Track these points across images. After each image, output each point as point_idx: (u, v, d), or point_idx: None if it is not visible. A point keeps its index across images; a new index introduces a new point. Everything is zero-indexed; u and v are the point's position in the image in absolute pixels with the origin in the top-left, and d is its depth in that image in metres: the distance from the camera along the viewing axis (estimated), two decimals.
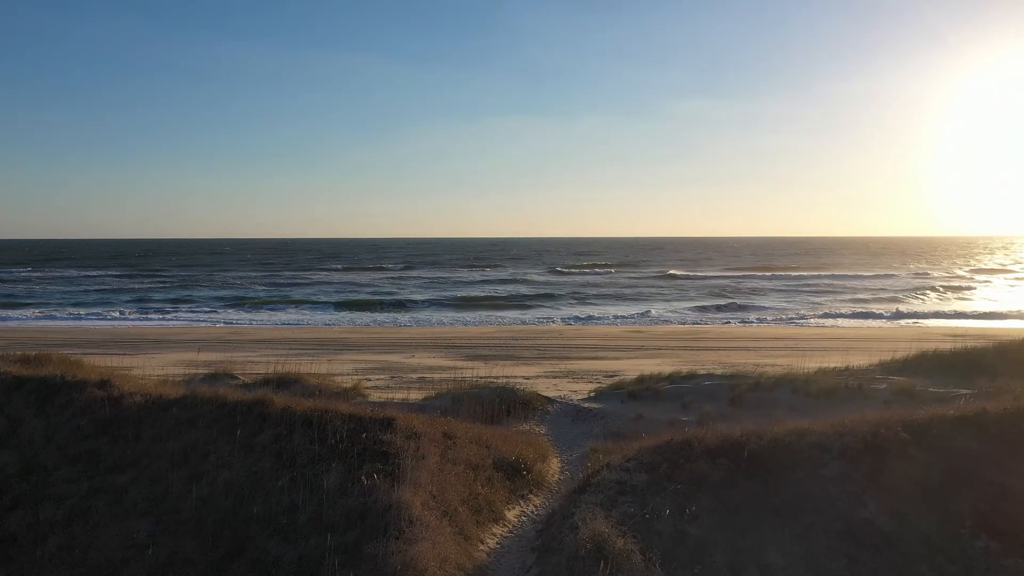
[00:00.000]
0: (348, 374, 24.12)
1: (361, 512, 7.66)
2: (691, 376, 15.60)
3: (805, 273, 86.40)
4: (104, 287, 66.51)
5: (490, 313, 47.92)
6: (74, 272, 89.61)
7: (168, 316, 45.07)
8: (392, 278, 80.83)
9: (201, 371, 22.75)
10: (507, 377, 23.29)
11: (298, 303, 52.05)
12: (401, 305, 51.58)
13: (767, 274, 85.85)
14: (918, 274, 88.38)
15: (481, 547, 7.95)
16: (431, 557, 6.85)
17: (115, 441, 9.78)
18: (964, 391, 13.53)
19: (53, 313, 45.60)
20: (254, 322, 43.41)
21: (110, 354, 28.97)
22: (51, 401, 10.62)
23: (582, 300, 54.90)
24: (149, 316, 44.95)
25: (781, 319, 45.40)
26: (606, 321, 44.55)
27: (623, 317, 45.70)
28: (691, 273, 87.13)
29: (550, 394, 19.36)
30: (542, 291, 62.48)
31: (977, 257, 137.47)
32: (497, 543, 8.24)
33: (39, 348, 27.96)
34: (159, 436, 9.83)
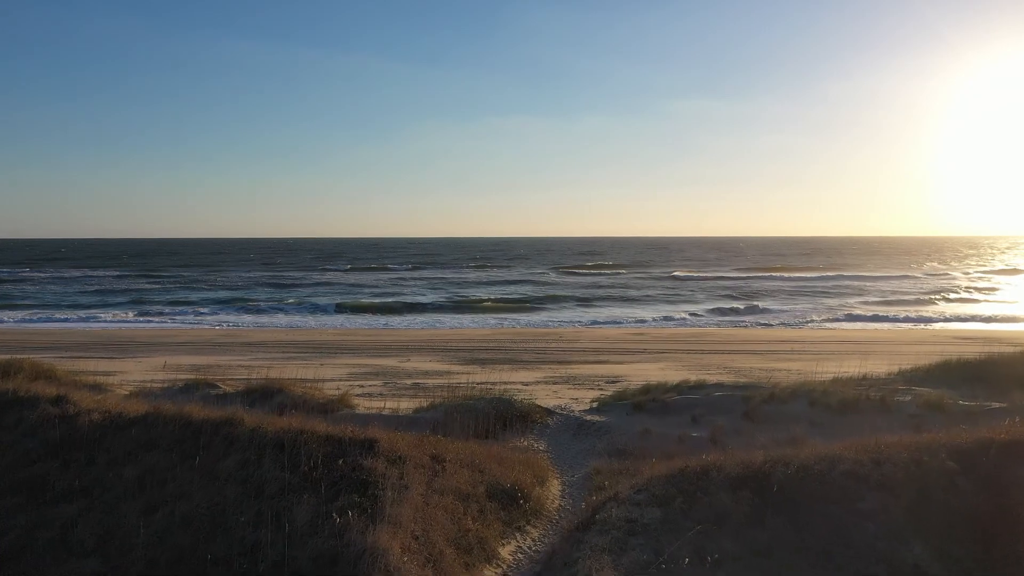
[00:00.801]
0: (340, 380, 23.09)
1: (332, 557, 6.62)
2: (700, 386, 14.56)
3: (814, 274, 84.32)
4: (99, 288, 65.45)
5: (491, 315, 46.80)
6: (70, 272, 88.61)
7: (162, 318, 44.03)
8: (400, 279, 79.56)
9: (183, 378, 21.74)
10: (505, 384, 22.24)
11: (298, 303, 50.91)
12: (414, 307, 50.41)
13: (774, 275, 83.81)
14: (932, 274, 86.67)
15: None
16: None
17: (66, 466, 8.74)
18: (996, 404, 12.49)
19: (45, 314, 44.56)
20: (250, 324, 42.38)
21: (97, 358, 27.99)
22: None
23: (587, 302, 53.27)
24: (143, 318, 43.91)
25: (788, 322, 43.97)
26: (607, 323, 43.47)
27: (626, 320, 44.50)
28: (695, 274, 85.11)
29: (550, 403, 18.33)
30: (546, 292, 61.23)
31: (989, 257, 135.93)
32: None
33: (19, 352, 26.95)
34: (115, 460, 8.79)
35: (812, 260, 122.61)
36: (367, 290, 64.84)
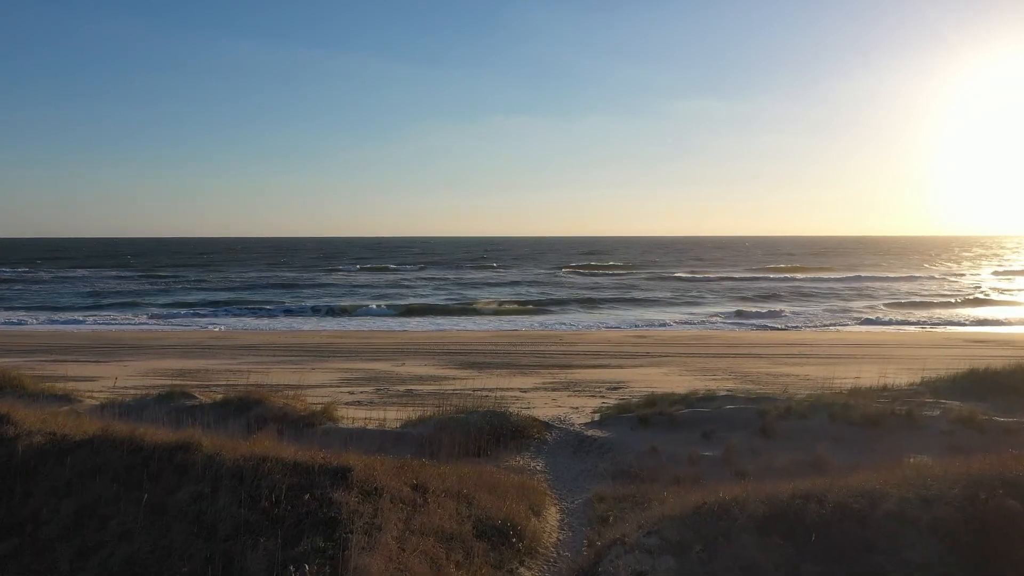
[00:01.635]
0: (331, 385, 22.03)
1: None
2: (710, 397, 13.44)
3: (830, 275, 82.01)
4: (93, 289, 64.28)
5: (491, 317, 45.62)
6: (66, 272, 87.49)
7: (156, 320, 42.89)
8: (424, 279, 78.01)
9: (162, 385, 20.64)
10: (502, 390, 21.16)
11: (321, 304, 49.48)
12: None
13: (792, 275, 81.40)
14: (951, 275, 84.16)
15: None
16: None
17: None
18: None
19: (35, 316, 43.43)
20: (251, 327, 41.25)
21: (82, 361, 26.89)
22: None
23: (591, 304, 51.46)
24: (135, 319, 42.77)
25: (816, 324, 42.22)
26: (607, 325, 42.29)
27: (653, 322, 42.91)
28: (706, 275, 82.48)
29: (548, 411, 17.23)
30: (573, 295, 59.67)
31: (1002, 257, 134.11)
32: None
33: (1, 356, 25.90)
34: (55, 490, 7.69)
35: (824, 260, 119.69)
36: (392, 291, 63.52)
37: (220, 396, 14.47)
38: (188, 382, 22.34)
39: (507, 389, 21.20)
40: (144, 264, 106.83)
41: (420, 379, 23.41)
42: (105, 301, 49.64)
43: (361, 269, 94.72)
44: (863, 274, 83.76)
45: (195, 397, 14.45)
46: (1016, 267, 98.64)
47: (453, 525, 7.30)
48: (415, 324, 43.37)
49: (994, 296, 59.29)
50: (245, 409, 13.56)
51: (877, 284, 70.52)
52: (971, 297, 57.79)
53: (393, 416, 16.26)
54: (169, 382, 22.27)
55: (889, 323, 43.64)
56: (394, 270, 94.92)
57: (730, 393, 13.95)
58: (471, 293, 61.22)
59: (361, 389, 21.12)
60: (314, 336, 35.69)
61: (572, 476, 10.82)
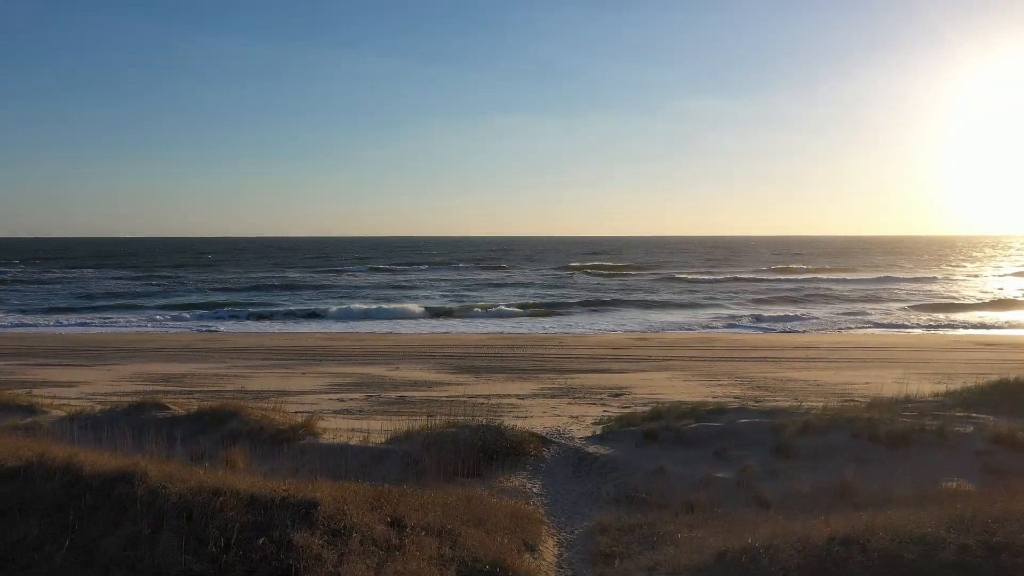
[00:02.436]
0: (320, 391, 20.97)
1: None
2: (720, 411, 12.38)
3: (853, 276, 79.46)
4: (89, 289, 63.19)
5: (491, 320, 44.50)
6: (60, 272, 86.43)
7: (149, 321, 41.80)
8: (423, 279, 76.72)
9: (143, 391, 19.58)
10: (498, 397, 20.13)
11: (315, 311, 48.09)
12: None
13: (787, 277, 78.90)
14: (974, 276, 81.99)
15: None
16: None
17: None
18: None
19: (23, 318, 42.38)
20: (240, 329, 40.18)
21: (64, 365, 25.80)
22: None
23: (597, 306, 49.11)
24: (127, 320, 41.68)
25: (821, 328, 40.55)
26: (614, 328, 41.18)
27: (642, 326, 41.68)
28: (710, 276, 79.76)
29: (546, 420, 16.18)
30: (554, 295, 58.23)
31: (1011, 258, 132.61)
32: None
33: None
34: None
35: (837, 260, 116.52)
36: (393, 292, 62.43)
37: (195, 407, 13.40)
38: (171, 388, 21.32)
39: (504, 396, 20.17)
40: (142, 264, 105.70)
41: (414, 384, 22.36)
42: (98, 303, 48.38)
43: (371, 270, 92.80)
44: (889, 275, 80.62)
45: (168, 408, 13.39)
46: None
47: (433, 571, 6.24)
48: (411, 326, 42.30)
49: (1021, 297, 56.83)
50: (219, 422, 12.51)
51: (901, 285, 67.72)
52: (998, 299, 55.47)
53: (381, 427, 15.17)
54: (151, 388, 21.26)
55: (916, 326, 41.35)
56: (401, 270, 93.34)
57: (741, 405, 12.90)
58: (473, 294, 60.03)
59: (351, 396, 20.08)
60: (308, 339, 34.63)
61: (572, 500, 9.76)
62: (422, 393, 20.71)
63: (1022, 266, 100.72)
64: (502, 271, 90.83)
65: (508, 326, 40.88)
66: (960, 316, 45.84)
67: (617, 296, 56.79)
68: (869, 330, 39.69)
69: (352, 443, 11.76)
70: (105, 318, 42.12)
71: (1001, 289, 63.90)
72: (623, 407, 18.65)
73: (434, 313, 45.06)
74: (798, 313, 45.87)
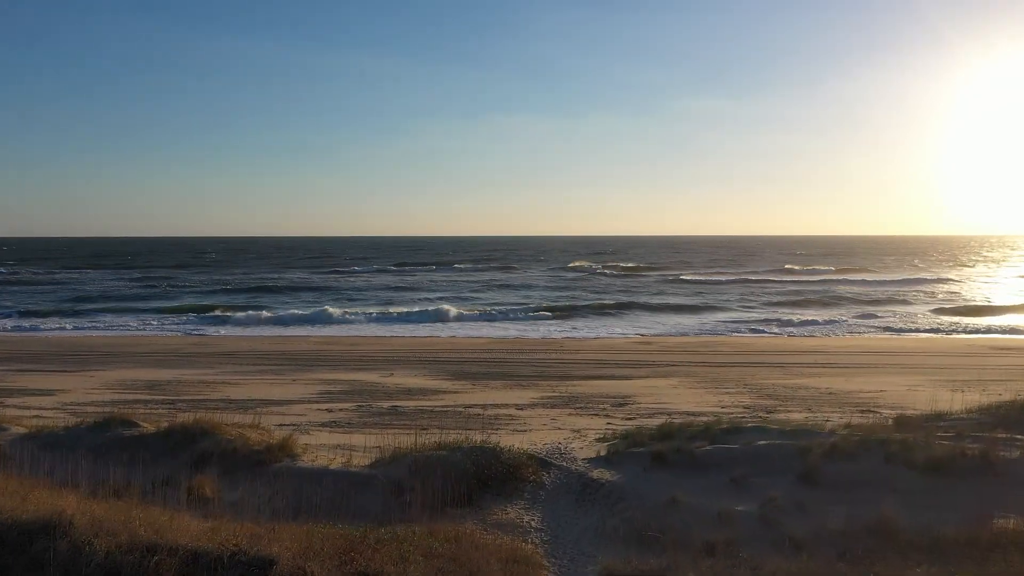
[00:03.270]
0: (308, 400, 19.86)
1: None
2: (736, 430, 11.24)
3: (838, 277, 77.28)
4: (83, 290, 62.06)
5: (492, 323, 43.20)
6: (56, 272, 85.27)
7: (140, 324, 40.64)
8: (429, 280, 74.96)
9: (122, 400, 18.44)
10: (496, 407, 19.01)
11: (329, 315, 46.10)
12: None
13: (795, 279, 76.20)
14: (999, 276, 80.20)
15: None
16: None
17: None
18: None
19: (11, 321, 41.22)
20: (226, 333, 39.03)
21: (46, 371, 24.65)
22: None
23: (602, 310, 47.05)
24: (118, 324, 40.51)
25: (808, 332, 39.00)
26: (620, 333, 39.99)
27: (653, 329, 40.12)
28: (712, 277, 77.74)
29: (546, 434, 15.06)
30: (556, 297, 56.59)
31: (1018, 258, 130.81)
32: None
33: None
34: None
35: (848, 261, 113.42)
36: (392, 294, 61.16)
37: (165, 424, 12.28)
38: (153, 397, 20.23)
39: (502, 406, 19.05)
40: (141, 265, 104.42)
41: (408, 392, 21.25)
42: (91, 306, 46.98)
43: (372, 271, 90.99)
44: (907, 276, 77.59)
45: (136, 425, 12.26)
46: None
47: None
48: (410, 330, 41.18)
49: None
50: (190, 442, 11.38)
51: (921, 287, 65.09)
52: (992, 301, 53.71)
53: (368, 444, 14.08)
54: (132, 397, 20.17)
55: (937, 330, 39.40)
56: (402, 271, 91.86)
57: (759, 423, 11.75)
58: (474, 296, 58.79)
59: (341, 406, 18.95)
60: (302, 343, 33.49)
61: (574, 537, 8.64)
62: (416, 402, 19.61)
63: None
64: (504, 272, 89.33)
65: (508, 329, 39.71)
66: (989, 320, 43.45)
67: (621, 298, 55.22)
68: (878, 334, 38.36)
69: (332, 466, 10.63)
70: (96, 321, 40.90)
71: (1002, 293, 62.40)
72: (628, 418, 17.57)
73: (434, 316, 43.75)
74: (809, 317, 43.84)
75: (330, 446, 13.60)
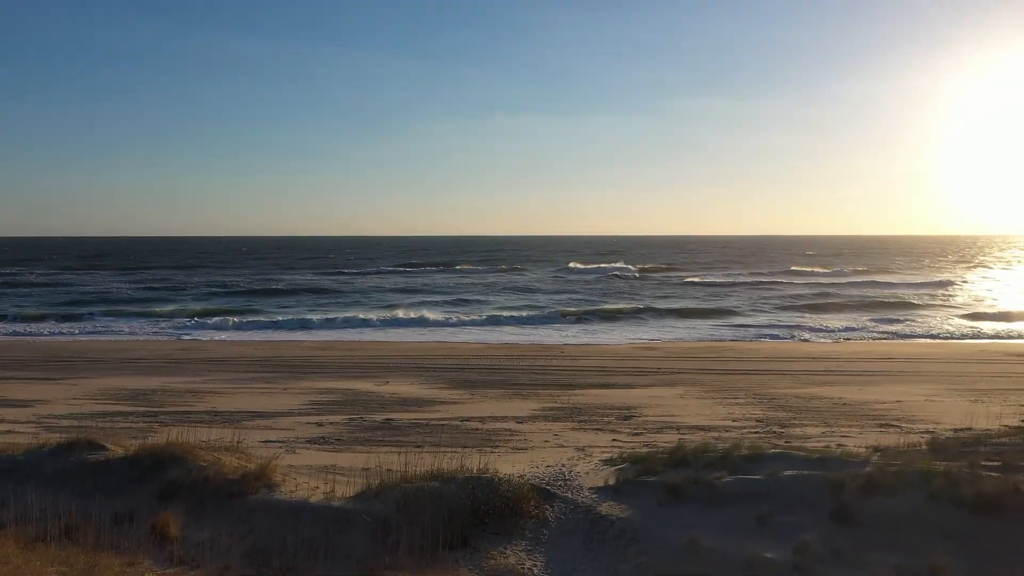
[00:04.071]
0: (297, 412, 18.80)
1: None
2: (758, 457, 10.15)
3: (849, 280, 74.42)
4: (77, 291, 60.98)
5: (492, 327, 42.01)
6: (51, 273, 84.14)
7: (132, 328, 39.53)
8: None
9: (102, 411, 17.37)
10: (494, 419, 17.94)
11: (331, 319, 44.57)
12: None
13: (802, 280, 73.63)
14: (1000, 277, 78.44)
15: None
16: None
17: None
18: None
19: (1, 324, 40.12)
20: (219, 337, 37.92)
21: (27, 379, 23.54)
22: None
23: (608, 315, 44.76)
24: (108, 327, 39.39)
25: (818, 338, 36.81)
26: (614, 335, 38.88)
27: (644, 334, 38.77)
28: (719, 279, 75.24)
29: (548, 454, 14.00)
30: (560, 300, 55.12)
31: None
32: None
33: None
34: None
35: (856, 261, 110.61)
36: (390, 297, 59.85)
37: (135, 447, 11.20)
38: (135, 408, 19.18)
39: (501, 419, 17.99)
40: (139, 266, 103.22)
41: (403, 403, 20.19)
42: (83, 309, 45.40)
43: (373, 273, 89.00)
44: (925, 279, 73.59)
45: (103, 448, 11.18)
46: None
47: None
48: (408, 334, 40.13)
49: None
50: (159, 469, 10.30)
51: (940, 290, 62.40)
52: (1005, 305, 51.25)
53: (359, 463, 13.05)
54: (114, 408, 19.13)
55: (970, 335, 37.43)
56: (403, 273, 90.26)
57: (782, 448, 10.66)
58: (475, 298, 57.55)
59: (332, 419, 17.88)
60: (296, 348, 32.40)
61: None
62: (411, 415, 18.54)
63: None
64: (506, 274, 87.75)
65: (509, 333, 38.58)
66: (1008, 326, 41.18)
67: (626, 300, 53.55)
68: (892, 339, 37.04)
69: (313, 500, 9.55)
70: (88, 325, 39.78)
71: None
72: (634, 433, 16.52)
73: (432, 321, 42.51)
74: (823, 322, 41.85)
75: (316, 468, 12.57)
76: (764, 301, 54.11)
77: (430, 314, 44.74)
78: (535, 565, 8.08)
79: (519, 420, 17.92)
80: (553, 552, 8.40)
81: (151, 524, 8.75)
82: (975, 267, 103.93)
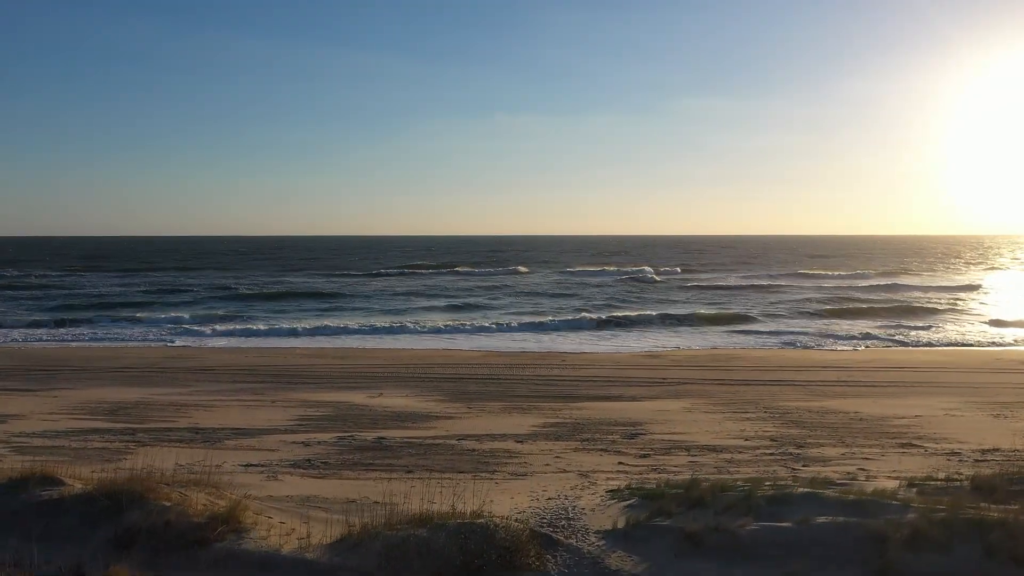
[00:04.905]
0: (284, 429, 17.70)
1: None
2: (785, 499, 9.03)
3: (858, 283, 72.08)
4: (72, 294, 59.84)
5: (492, 333, 40.67)
6: (49, 275, 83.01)
7: (122, 334, 38.39)
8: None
9: (79, 428, 16.23)
10: (492, 439, 16.82)
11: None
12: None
13: (808, 284, 71.45)
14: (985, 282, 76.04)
15: None
16: None
17: None
18: None
19: None
20: (209, 344, 36.79)
21: (8, 391, 22.38)
22: None
23: (613, 323, 42.48)
24: (95, 333, 38.21)
25: (832, 344, 35.21)
26: (617, 342, 37.74)
27: (650, 342, 36.83)
28: (726, 282, 73.33)
29: (549, 482, 12.88)
30: (563, 304, 53.58)
31: None
32: None
33: None
34: None
35: (867, 263, 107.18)
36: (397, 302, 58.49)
37: (94, 483, 10.08)
38: (114, 424, 18.08)
39: (499, 437, 16.87)
40: (140, 267, 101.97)
41: (397, 418, 19.09)
42: (75, 315, 44.07)
43: (373, 275, 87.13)
44: (956, 281, 70.71)
45: (59, 483, 10.06)
46: None
47: None
48: (406, 341, 39.05)
49: None
50: (115, 511, 9.19)
51: (973, 294, 60.05)
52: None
53: (344, 493, 12.00)
54: (90, 425, 18.02)
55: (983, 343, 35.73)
56: (404, 275, 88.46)
57: (810, 488, 9.52)
58: (475, 301, 56.31)
59: (319, 437, 16.76)
60: (289, 355, 31.26)
61: None
62: (404, 432, 17.43)
63: None
64: (507, 276, 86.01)
65: (509, 339, 37.37)
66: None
67: (629, 305, 51.72)
68: (905, 347, 35.59)
69: (285, 550, 8.43)
70: (79, 332, 38.51)
71: None
72: (641, 455, 15.41)
73: (430, 327, 41.11)
74: (839, 330, 39.83)
75: (297, 500, 11.48)
76: (776, 305, 51.74)
77: (429, 319, 43.59)
78: None
79: (518, 439, 16.82)
80: None
81: None
82: (991, 269, 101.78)
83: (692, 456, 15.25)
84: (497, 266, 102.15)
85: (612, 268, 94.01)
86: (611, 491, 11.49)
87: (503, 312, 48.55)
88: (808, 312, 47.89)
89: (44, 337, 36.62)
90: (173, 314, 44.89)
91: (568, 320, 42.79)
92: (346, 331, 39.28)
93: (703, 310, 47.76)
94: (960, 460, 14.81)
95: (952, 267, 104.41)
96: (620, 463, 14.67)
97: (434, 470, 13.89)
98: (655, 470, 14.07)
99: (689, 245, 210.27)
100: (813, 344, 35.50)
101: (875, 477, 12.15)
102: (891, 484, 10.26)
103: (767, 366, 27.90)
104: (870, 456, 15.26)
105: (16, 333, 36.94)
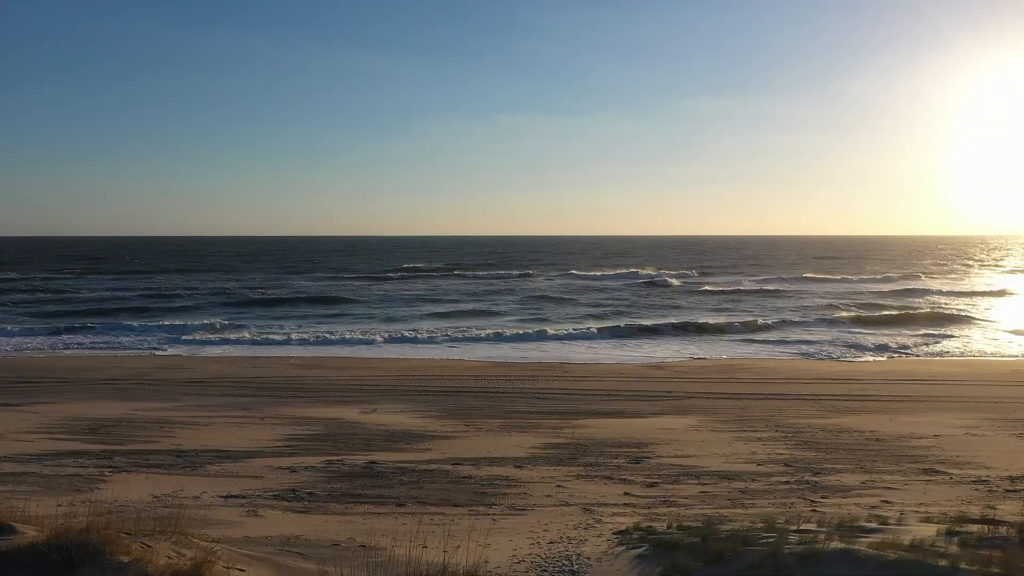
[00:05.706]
0: (270, 451, 16.68)
1: None
2: (814, 556, 7.95)
3: (866, 288, 69.21)
4: (67, 298, 58.88)
5: (492, 343, 39.50)
6: (47, 277, 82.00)
7: (112, 342, 37.32)
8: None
9: (55, 451, 15.15)
10: (490, 462, 15.79)
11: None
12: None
13: (821, 288, 68.93)
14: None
15: None
16: None
17: None
18: None
19: None
20: (200, 353, 35.76)
21: None
22: None
23: (617, 331, 40.46)
24: (83, 343, 37.14)
25: (838, 355, 33.35)
26: (620, 353, 36.66)
27: (655, 351, 35.56)
28: (733, 287, 70.37)
29: (549, 518, 11.89)
30: (565, 308, 52.20)
31: None
32: None
33: None
34: None
35: (877, 266, 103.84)
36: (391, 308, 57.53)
37: (47, 533, 9.05)
38: (91, 446, 17.06)
39: (498, 461, 15.84)
40: (140, 269, 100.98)
41: (390, 438, 18.07)
42: (67, 322, 42.59)
43: (374, 278, 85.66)
44: (976, 287, 67.68)
45: (12, 532, 9.02)
46: None
47: None
48: (405, 350, 38.00)
49: None
50: (68, 567, 8.16)
51: (995, 301, 57.53)
52: None
53: (330, 534, 10.97)
54: (66, 447, 17.00)
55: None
56: (405, 279, 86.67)
57: (842, 543, 8.47)
58: (476, 305, 55.19)
59: (307, 461, 15.72)
60: (281, 366, 30.16)
61: None
62: (397, 456, 16.39)
63: None
64: (512, 280, 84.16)
65: (509, 348, 36.25)
66: None
67: (633, 311, 50.68)
68: (921, 358, 34.24)
69: None
70: (67, 339, 37.44)
71: None
72: (648, 483, 14.37)
73: (427, 336, 39.89)
74: (860, 339, 37.85)
75: (276, 543, 10.44)
76: (794, 312, 49.11)
77: (430, 327, 42.45)
78: None
79: (517, 463, 15.79)
80: None
81: None
82: (1011, 272, 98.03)
83: (703, 485, 14.22)
84: (501, 268, 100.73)
85: (623, 271, 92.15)
86: (618, 533, 10.49)
87: (506, 319, 47.28)
88: (827, 320, 45.33)
89: (34, 346, 35.57)
90: (168, 321, 43.71)
91: (572, 331, 41.19)
92: (345, 341, 38.14)
93: (712, 320, 45.21)
94: (990, 491, 13.76)
95: (969, 270, 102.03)
96: (626, 493, 13.65)
97: (427, 503, 12.87)
98: (664, 502, 13.06)
99: (695, 246, 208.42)
100: (826, 355, 33.91)
101: (903, 514, 11.13)
102: (927, 531, 9.22)
103: (776, 378, 26.82)
104: (892, 485, 14.22)
105: (6, 343, 35.84)
